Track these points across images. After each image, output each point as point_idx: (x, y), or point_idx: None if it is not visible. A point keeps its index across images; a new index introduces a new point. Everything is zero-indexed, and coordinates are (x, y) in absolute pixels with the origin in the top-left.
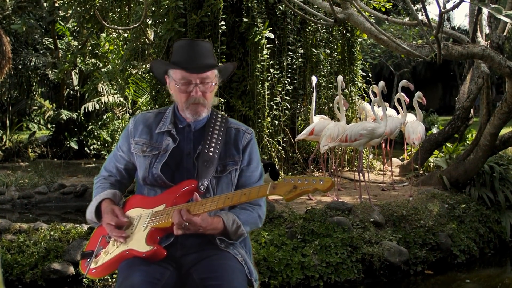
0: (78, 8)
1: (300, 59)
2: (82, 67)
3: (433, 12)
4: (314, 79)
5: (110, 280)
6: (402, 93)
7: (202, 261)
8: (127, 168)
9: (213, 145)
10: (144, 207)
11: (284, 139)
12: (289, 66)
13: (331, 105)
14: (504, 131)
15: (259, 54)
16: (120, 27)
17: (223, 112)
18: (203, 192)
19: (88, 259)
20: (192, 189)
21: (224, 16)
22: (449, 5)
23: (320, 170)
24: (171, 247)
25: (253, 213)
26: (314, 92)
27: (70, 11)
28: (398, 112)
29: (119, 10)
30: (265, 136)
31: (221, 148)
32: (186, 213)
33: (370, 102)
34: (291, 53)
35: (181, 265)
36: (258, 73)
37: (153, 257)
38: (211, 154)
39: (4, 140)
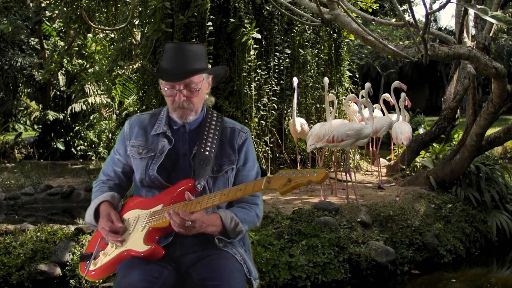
0: (65, 9)
1: (287, 60)
2: (69, 67)
3: (419, 12)
4: (295, 80)
5: (97, 281)
6: (387, 94)
7: (201, 261)
8: (125, 171)
9: (209, 144)
10: (142, 208)
11: (271, 139)
12: (276, 67)
13: (318, 105)
14: (490, 131)
15: (246, 55)
16: (107, 28)
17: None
18: (200, 191)
19: (87, 261)
20: (189, 188)
21: (211, 17)
22: (435, 6)
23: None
24: (169, 247)
25: (250, 212)
26: (295, 93)
27: (57, 12)
28: (384, 113)
29: (106, 10)
30: (252, 136)
31: (216, 148)
32: (183, 212)
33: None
34: (278, 54)
35: (180, 265)
36: (245, 74)
37: (151, 256)
38: (207, 153)
39: None
